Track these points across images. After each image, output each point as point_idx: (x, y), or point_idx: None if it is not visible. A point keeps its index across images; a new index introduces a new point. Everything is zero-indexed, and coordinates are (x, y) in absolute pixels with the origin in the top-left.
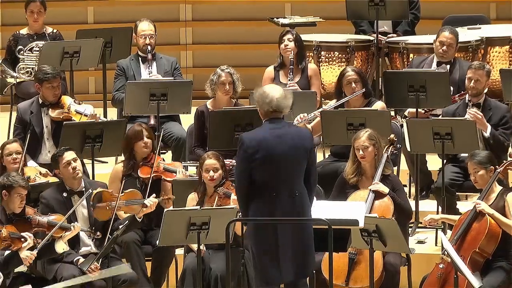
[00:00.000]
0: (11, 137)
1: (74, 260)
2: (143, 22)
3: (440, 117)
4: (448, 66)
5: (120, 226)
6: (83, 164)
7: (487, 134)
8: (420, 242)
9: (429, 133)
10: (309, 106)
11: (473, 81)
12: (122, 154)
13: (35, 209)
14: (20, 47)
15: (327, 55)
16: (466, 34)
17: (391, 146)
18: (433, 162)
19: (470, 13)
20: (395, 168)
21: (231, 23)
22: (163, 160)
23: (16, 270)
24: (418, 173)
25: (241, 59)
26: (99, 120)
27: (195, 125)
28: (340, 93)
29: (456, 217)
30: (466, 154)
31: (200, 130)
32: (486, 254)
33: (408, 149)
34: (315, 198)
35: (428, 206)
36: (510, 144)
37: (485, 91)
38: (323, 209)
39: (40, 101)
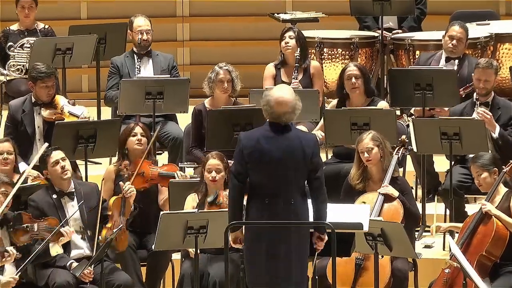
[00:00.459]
0: (1, 136)
1: (67, 264)
2: (139, 18)
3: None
4: (456, 62)
5: (115, 230)
6: (76, 166)
7: (495, 134)
8: (427, 246)
9: (436, 133)
10: (311, 105)
11: (482, 81)
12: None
13: (30, 215)
14: (10, 43)
15: (330, 52)
16: (475, 30)
17: (402, 148)
18: (441, 163)
19: (478, 9)
20: (401, 170)
21: (230, 18)
22: (155, 163)
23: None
24: (425, 175)
25: (241, 56)
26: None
27: (193, 124)
28: (341, 90)
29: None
30: None
31: (197, 130)
32: (493, 258)
33: (415, 149)
34: None
35: (436, 209)
36: None
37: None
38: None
39: (33, 99)
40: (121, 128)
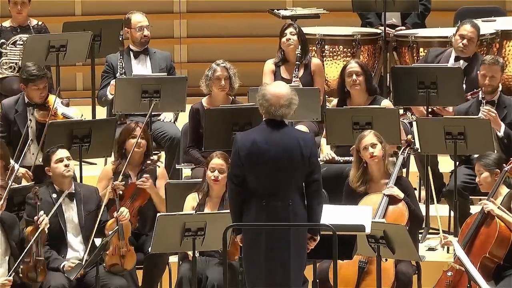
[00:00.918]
0: None
1: (60, 266)
2: (136, 14)
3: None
4: (461, 62)
5: (111, 232)
6: None
7: (500, 133)
8: (430, 249)
9: (441, 133)
10: (312, 103)
11: (488, 78)
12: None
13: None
14: (2, 40)
15: (331, 49)
16: (481, 27)
17: (408, 148)
18: (445, 164)
19: (484, 5)
20: (404, 170)
21: (228, 15)
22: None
23: None
24: (429, 176)
25: (239, 54)
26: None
27: (190, 124)
28: (342, 88)
29: None
30: None
31: (195, 129)
32: (497, 259)
33: (418, 149)
34: None
35: (439, 211)
36: None
37: (500, 88)
38: (327, 214)
39: (26, 100)
40: (116, 129)
